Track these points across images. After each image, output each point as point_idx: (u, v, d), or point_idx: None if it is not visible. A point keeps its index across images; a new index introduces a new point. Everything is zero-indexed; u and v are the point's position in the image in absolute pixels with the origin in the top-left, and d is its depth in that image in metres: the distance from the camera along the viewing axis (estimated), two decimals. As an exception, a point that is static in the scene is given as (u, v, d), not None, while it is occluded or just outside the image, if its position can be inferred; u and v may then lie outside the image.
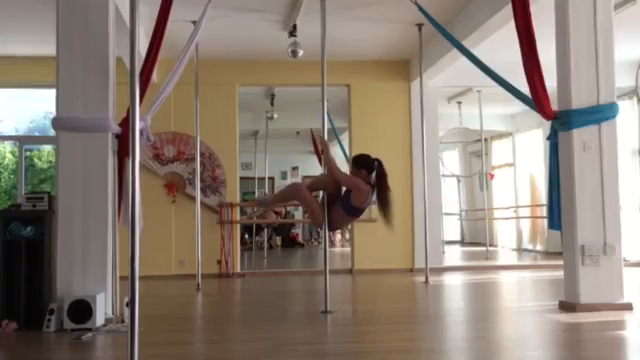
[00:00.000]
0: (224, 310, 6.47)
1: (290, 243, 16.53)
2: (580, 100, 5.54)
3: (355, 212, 5.61)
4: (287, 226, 16.66)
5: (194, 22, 6.70)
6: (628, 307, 5.37)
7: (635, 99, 9.81)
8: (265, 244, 14.32)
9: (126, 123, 4.99)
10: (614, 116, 5.57)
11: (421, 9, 6.88)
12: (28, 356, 4.21)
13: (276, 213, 14.50)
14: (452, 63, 8.52)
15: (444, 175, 13.99)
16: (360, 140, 9.41)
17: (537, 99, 5.54)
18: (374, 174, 5.57)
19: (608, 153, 5.54)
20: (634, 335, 4.65)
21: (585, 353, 4.12)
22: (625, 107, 9.77)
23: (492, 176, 14.75)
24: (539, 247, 13.23)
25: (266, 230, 14.70)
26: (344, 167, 6.32)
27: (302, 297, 7.42)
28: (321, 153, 5.99)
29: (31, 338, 4.68)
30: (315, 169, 16.45)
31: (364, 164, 5.61)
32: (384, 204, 5.54)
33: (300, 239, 17.55)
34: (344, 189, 5.66)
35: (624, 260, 5.64)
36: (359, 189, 5.48)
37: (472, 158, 16.72)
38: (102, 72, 5.22)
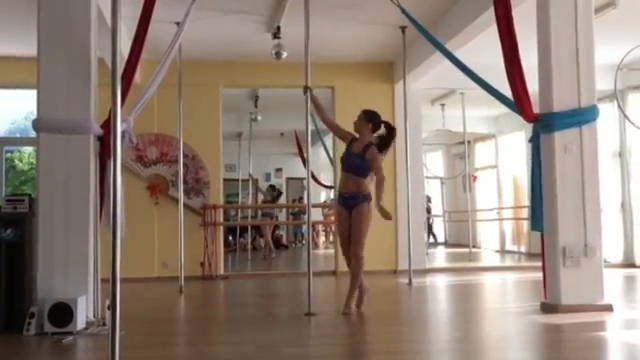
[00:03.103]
0: (207, 312, 6.44)
1: (274, 245, 16.49)
2: (561, 103, 5.58)
3: (368, 172, 5.74)
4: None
5: (177, 23, 6.67)
6: (608, 308, 5.41)
7: (615, 102, 9.91)
8: (249, 246, 14.30)
9: (108, 124, 4.94)
10: (595, 119, 5.63)
11: (404, 12, 6.91)
12: (8, 360, 4.17)
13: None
14: (436, 65, 8.56)
15: (427, 177, 14.05)
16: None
17: (519, 102, 5.58)
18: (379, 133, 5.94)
19: (589, 155, 5.59)
20: (614, 336, 4.69)
21: (566, 354, 4.15)
22: (606, 109, 9.87)
23: (475, 178, 14.84)
24: (522, 248, 13.33)
25: (250, 232, 14.70)
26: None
27: (285, 299, 7.41)
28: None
29: (11, 341, 4.62)
30: (299, 171, 16.46)
31: (373, 119, 5.94)
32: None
33: (284, 241, 17.53)
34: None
35: (605, 261, 5.70)
36: (378, 157, 5.76)
37: (455, 160, 16.81)
38: (84, 73, 5.17)
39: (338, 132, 6.17)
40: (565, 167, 5.55)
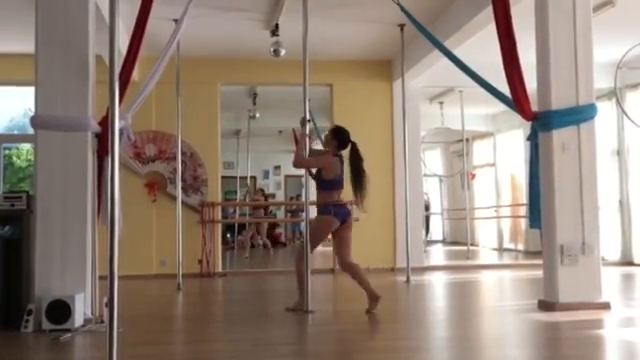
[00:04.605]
0: (204, 310, 6.44)
1: (272, 242, 16.49)
2: (560, 101, 5.58)
3: (332, 185, 5.64)
4: (270, 225, 16.64)
5: (175, 20, 6.65)
6: (606, 306, 5.42)
7: (614, 100, 9.92)
8: (247, 243, 14.29)
9: (106, 122, 4.93)
10: (593, 117, 5.63)
11: (403, 9, 6.90)
12: (5, 357, 4.15)
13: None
14: (434, 63, 8.56)
15: (426, 175, 14.04)
16: (342, 140, 9.38)
17: (517, 100, 5.59)
18: (348, 151, 5.73)
19: (587, 154, 5.59)
20: (611, 334, 4.70)
21: (564, 352, 4.16)
22: (605, 108, 9.88)
23: (473, 176, 14.84)
24: (520, 246, 13.34)
25: (248, 229, 14.71)
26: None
27: (283, 297, 7.37)
28: (296, 140, 6.02)
29: (9, 339, 4.62)
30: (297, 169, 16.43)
31: (338, 136, 5.78)
32: (357, 186, 5.64)
33: (283, 238, 17.52)
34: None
35: (602, 259, 5.70)
36: (325, 162, 5.68)
37: (454, 158, 16.81)
38: (82, 70, 5.17)
39: (320, 163, 5.81)
40: (563, 165, 5.55)
